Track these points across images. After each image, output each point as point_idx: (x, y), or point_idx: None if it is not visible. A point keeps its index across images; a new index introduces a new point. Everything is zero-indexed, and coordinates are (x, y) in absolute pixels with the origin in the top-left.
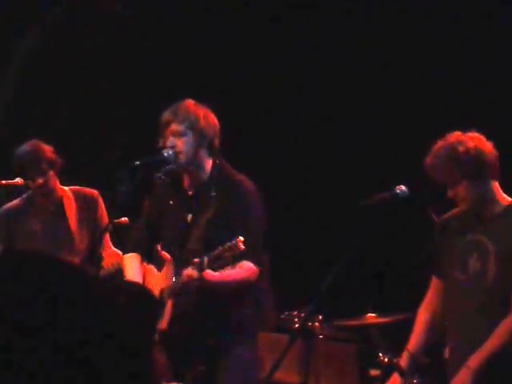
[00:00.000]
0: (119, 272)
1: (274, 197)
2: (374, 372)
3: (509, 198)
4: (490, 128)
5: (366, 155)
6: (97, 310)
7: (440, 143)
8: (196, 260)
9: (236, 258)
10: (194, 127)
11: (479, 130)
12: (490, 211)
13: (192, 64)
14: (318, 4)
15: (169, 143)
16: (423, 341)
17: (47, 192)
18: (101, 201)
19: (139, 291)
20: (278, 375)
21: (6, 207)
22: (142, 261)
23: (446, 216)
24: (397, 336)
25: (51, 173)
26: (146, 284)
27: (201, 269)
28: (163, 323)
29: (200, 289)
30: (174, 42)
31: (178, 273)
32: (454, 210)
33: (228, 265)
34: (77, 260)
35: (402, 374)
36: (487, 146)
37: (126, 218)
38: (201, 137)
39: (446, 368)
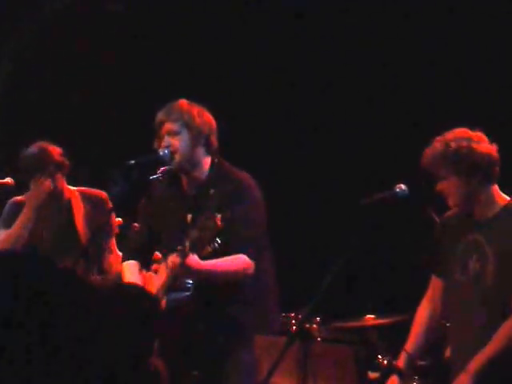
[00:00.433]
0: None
1: (273, 197)
2: (372, 374)
3: (507, 198)
4: (489, 128)
5: (365, 155)
6: (83, 309)
7: (440, 137)
8: (179, 247)
9: (216, 236)
10: (188, 125)
11: (479, 130)
12: (487, 212)
13: (192, 64)
14: (317, 4)
15: (164, 143)
16: (422, 341)
17: (55, 194)
18: (109, 202)
19: (139, 293)
20: (276, 378)
21: (15, 200)
22: (141, 268)
23: (446, 215)
24: (396, 338)
25: (59, 175)
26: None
27: (184, 254)
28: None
29: (196, 286)
30: (173, 42)
31: None
32: (454, 210)
33: (209, 244)
34: (82, 261)
35: (401, 375)
36: (484, 148)
37: (121, 219)
38: (196, 134)
39: (446, 369)
